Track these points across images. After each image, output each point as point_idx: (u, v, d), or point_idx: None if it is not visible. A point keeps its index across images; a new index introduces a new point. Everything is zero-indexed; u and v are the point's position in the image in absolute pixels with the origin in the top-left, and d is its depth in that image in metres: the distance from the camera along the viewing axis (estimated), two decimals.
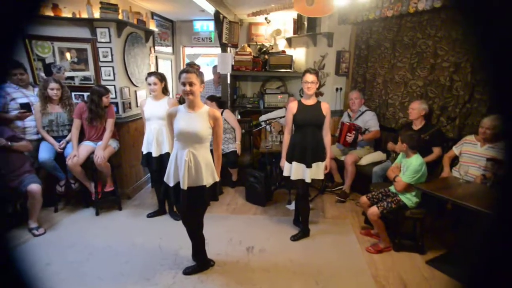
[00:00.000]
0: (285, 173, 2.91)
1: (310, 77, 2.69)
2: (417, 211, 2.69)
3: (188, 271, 2.46)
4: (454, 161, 2.96)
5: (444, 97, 3.18)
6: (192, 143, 2.14)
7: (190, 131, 2.11)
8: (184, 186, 2.15)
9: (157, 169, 3.11)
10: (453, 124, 3.13)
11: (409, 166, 2.66)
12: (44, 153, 3.22)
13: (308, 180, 2.80)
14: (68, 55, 3.51)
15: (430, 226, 2.96)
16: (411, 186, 2.64)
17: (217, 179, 2.30)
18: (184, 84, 2.07)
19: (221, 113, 4.15)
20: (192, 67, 2.39)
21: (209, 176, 2.23)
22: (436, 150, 3.13)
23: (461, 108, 3.04)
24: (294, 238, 2.97)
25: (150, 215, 3.37)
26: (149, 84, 3.04)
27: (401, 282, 2.39)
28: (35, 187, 2.86)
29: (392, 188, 2.83)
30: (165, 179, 2.29)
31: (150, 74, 3.08)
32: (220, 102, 4.07)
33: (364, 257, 2.71)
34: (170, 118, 2.20)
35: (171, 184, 2.23)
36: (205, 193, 2.21)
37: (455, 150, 2.93)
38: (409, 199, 2.68)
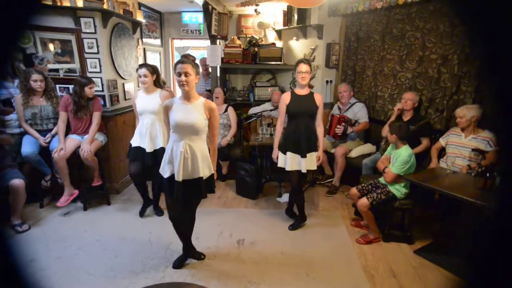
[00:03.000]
0: (279, 164, 2.89)
1: (304, 67, 2.69)
2: (406, 201, 2.73)
3: (176, 264, 2.44)
4: (442, 152, 3.01)
5: (432, 89, 3.22)
6: (189, 134, 2.11)
7: (186, 122, 2.08)
8: (179, 178, 2.11)
9: (152, 164, 2.99)
10: (441, 116, 3.17)
11: (398, 157, 2.68)
12: (27, 147, 3.12)
13: (303, 171, 2.81)
14: (51, 46, 3.39)
15: (418, 217, 3.02)
16: (400, 177, 2.67)
17: (213, 171, 2.28)
18: (179, 74, 2.03)
19: (226, 108, 4.13)
20: (187, 58, 2.34)
21: (206, 167, 2.20)
22: (425, 141, 3.17)
23: (448, 100, 3.08)
24: (292, 227, 3.00)
25: (142, 214, 3.24)
26: (140, 76, 2.94)
27: (390, 272, 2.43)
28: (17, 182, 2.77)
29: (381, 180, 2.86)
30: (160, 171, 2.25)
31: (141, 65, 2.97)
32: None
33: (354, 248, 2.74)
34: (167, 110, 2.16)
35: (166, 175, 2.19)
36: (201, 185, 2.18)
37: (442, 141, 2.98)
38: (398, 190, 2.71)
